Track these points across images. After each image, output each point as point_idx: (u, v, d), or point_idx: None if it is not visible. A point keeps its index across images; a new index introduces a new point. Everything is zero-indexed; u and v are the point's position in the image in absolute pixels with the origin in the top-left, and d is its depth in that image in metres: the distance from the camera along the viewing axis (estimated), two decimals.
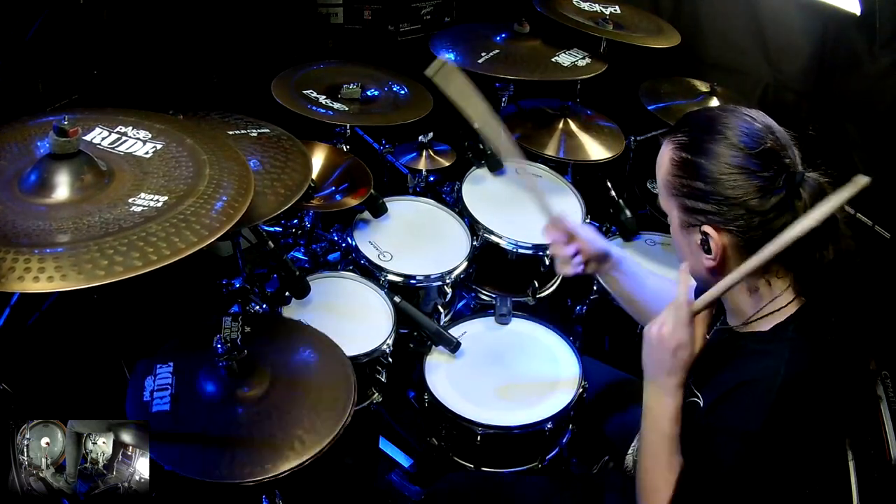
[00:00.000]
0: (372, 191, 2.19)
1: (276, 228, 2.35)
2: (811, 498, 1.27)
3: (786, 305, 1.25)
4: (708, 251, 1.25)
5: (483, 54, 2.42)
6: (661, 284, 1.70)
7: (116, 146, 1.46)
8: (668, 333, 1.29)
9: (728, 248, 1.24)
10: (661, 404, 1.30)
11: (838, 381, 1.23)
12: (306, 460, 1.42)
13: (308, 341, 1.72)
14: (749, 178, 1.19)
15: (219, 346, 1.49)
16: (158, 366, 1.59)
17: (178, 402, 1.52)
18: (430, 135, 2.49)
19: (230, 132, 1.87)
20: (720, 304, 1.37)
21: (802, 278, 1.24)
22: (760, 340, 1.26)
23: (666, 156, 1.29)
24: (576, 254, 1.61)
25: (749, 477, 1.17)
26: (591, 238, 1.63)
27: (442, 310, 2.25)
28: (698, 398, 1.28)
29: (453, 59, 2.42)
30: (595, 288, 2.28)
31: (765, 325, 1.26)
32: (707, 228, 1.23)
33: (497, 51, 2.45)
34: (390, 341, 1.96)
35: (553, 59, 2.46)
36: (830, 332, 1.23)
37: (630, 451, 1.57)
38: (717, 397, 1.24)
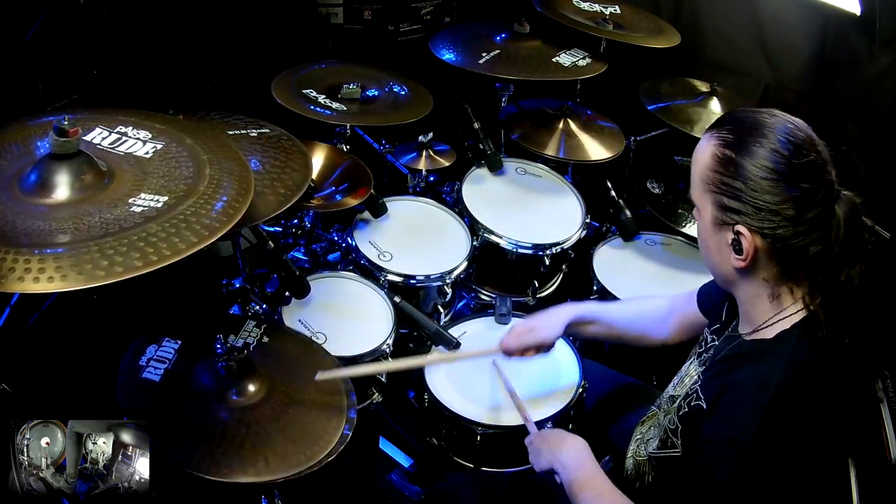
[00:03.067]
0: (372, 191, 2.19)
1: (276, 228, 2.35)
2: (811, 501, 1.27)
3: (794, 313, 1.25)
4: (739, 251, 1.23)
5: (484, 54, 2.41)
6: (629, 309, 1.80)
7: (116, 146, 1.46)
8: (540, 450, 1.53)
9: (759, 250, 1.22)
10: (582, 465, 1.44)
11: (840, 389, 1.21)
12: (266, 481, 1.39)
13: (291, 345, 1.73)
14: (788, 188, 1.17)
15: (218, 346, 1.49)
16: (166, 339, 1.61)
17: (169, 379, 1.52)
18: (430, 135, 2.49)
19: (230, 132, 1.87)
20: (733, 309, 1.38)
21: (818, 288, 1.23)
22: (763, 347, 1.25)
23: (707, 150, 1.26)
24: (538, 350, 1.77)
25: (745, 486, 1.16)
26: (543, 337, 1.75)
27: (442, 310, 2.25)
28: (702, 402, 1.28)
29: (453, 59, 2.41)
30: (595, 288, 2.28)
31: (770, 333, 1.26)
32: (741, 228, 1.21)
33: (497, 51, 2.45)
34: (390, 341, 1.97)
35: (554, 59, 2.46)
36: (835, 340, 1.21)
37: (629, 455, 1.56)
38: (715, 402, 1.24)
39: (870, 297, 1.27)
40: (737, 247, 1.23)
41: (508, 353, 1.77)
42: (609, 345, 2.35)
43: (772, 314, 1.26)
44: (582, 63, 2.48)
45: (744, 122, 1.24)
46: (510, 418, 1.82)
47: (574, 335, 1.80)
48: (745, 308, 1.32)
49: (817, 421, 1.19)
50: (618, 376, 1.97)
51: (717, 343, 1.42)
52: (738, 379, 1.23)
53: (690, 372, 1.47)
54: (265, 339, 1.69)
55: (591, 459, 1.45)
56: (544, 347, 1.77)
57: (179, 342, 1.61)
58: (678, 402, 1.40)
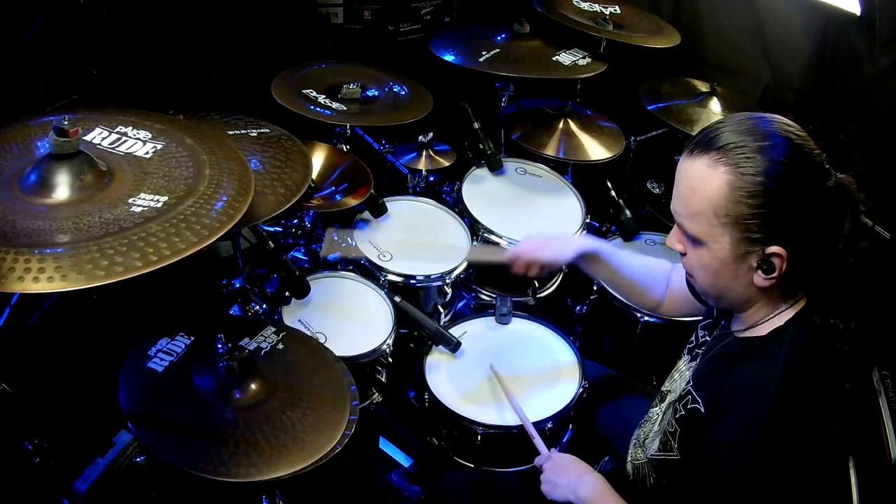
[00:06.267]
0: (372, 191, 2.19)
1: (276, 228, 2.35)
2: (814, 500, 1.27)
3: (787, 309, 1.24)
4: (769, 271, 1.18)
5: (484, 53, 2.42)
6: (637, 260, 1.74)
7: (116, 146, 1.45)
8: (556, 480, 1.50)
9: (785, 263, 1.18)
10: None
11: (840, 381, 1.20)
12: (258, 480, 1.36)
13: (307, 354, 1.72)
14: (813, 192, 1.15)
15: (219, 345, 1.49)
16: (181, 333, 1.61)
17: (170, 372, 1.52)
18: (430, 135, 2.49)
19: (230, 132, 1.87)
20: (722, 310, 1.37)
21: (818, 280, 1.21)
22: (758, 345, 1.24)
23: (717, 180, 1.14)
24: (542, 268, 1.73)
25: (757, 488, 1.16)
26: (554, 256, 1.70)
27: (442, 310, 2.25)
28: (700, 405, 1.27)
29: (454, 59, 2.42)
30: (595, 288, 2.28)
31: (763, 330, 1.25)
32: (774, 249, 1.16)
33: (497, 50, 2.45)
34: (390, 341, 1.97)
35: (554, 58, 2.46)
36: (832, 329, 1.20)
37: (629, 459, 1.56)
38: (715, 407, 1.23)
39: (870, 297, 1.26)
40: (765, 267, 1.18)
41: (517, 259, 1.73)
42: (609, 344, 2.36)
43: (768, 314, 1.26)
44: (582, 63, 2.48)
45: (745, 139, 1.15)
46: (510, 418, 1.82)
47: (580, 268, 1.72)
48: (743, 313, 1.30)
49: (820, 417, 1.19)
50: (618, 377, 1.97)
51: (707, 339, 1.41)
52: (736, 382, 1.22)
53: (681, 367, 1.47)
54: (279, 347, 1.67)
55: (611, 493, 1.44)
56: (549, 268, 1.74)
57: (192, 338, 1.61)
58: (673, 403, 1.39)
